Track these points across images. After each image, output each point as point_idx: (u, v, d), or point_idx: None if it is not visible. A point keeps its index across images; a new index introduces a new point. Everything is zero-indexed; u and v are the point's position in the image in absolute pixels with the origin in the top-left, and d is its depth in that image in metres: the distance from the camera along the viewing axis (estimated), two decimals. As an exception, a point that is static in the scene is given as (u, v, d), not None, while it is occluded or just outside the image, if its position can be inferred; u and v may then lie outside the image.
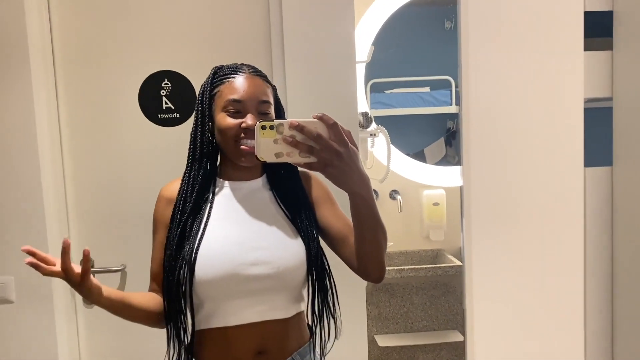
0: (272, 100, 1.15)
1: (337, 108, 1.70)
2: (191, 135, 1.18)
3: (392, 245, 2.62)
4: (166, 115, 1.76)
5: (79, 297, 1.78)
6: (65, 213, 1.75)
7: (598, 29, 0.93)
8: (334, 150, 0.95)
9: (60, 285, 1.71)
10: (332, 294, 1.18)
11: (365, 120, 2.15)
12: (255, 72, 1.15)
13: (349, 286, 1.72)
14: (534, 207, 0.98)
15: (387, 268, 2.38)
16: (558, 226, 1.01)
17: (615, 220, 1.04)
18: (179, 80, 1.75)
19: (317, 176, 1.19)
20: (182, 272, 1.09)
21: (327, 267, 1.17)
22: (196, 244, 1.09)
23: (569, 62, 0.93)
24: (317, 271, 1.14)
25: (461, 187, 0.97)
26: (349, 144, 0.97)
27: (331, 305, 1.18)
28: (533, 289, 1.04)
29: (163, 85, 1.75)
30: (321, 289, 1.16)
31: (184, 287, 1.09)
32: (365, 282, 1.84)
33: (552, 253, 1.02)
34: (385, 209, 2.68)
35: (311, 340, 1.20)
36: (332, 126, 0.95)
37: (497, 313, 1.04)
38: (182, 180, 1.18)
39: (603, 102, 0.97)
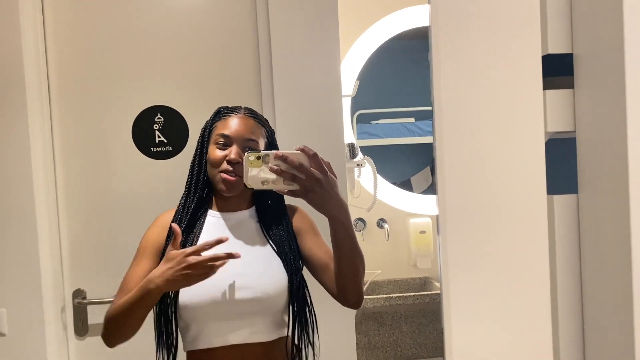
0: (260, 140, 1.26)
1: (325, 140, 1.77)
2: (190, 165, 1.31)
3: (380, 274, 2.66)
4: (159, 149, 1.81)
5: (70, 329, 1.79)
6: (59, 247, 1.78)
7: (560, 69, 1.02)
8: (314, 178, 1.06)
9: (52, 318, 1.72)
10: (311, 323, 1.25)
11: (352, 151, 2.22)
12: (250, 114, 1.28)
13: (338, 316, 1.75)
14: (504, 231, 1.05)
15: (375, 297, 2.41)
16: (525, 250, 1.09)
17: (582, 242, 1.11)
18: (171, 115, 1.81)
19: (302, 207, 1.28)
20: (170, 293, 1.18)
21: (308, 298, 1.25)
22: None
23: (532, 100, 1.02)
24: (298, 302, 1.22)
25: (437, 216, 1.04)
26: (328, 172, 1.08)
27: (310, 334, 1.25)
28: (505, 307, 1.11)
29: (156, 119, 1.81)
30: (301, 318, 1.23)
31: (171, 308, 1.18)
32: (354, 312, 1.88)
33: (520, 273, 1.10)
34: (373, 238, 2.73)
35: None
36: (313, 157, 1.07)
37: (474, 330, 1.10)
38: (178, 206, 1.28)
39: (568, 134, 1.06)
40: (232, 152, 1.21)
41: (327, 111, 1.78)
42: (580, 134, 1.01)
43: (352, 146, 2.21)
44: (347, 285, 1.18)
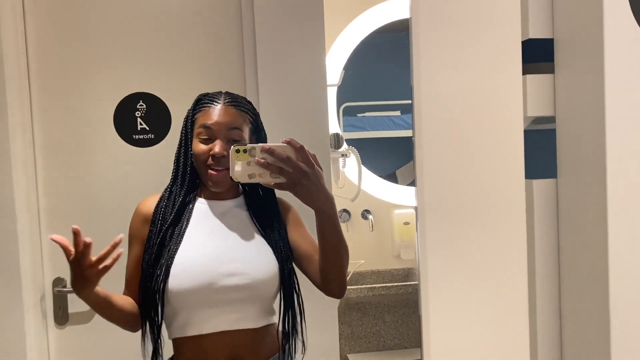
0: (244, 127, 1.23)
1: (309, 129, 1.76)
2: (175, 157, 1.28)
3: (363, 264, 2.67)
4: (141, 136, 1.79)
5: (50, 317, 1.77)
6: (38, 233, 1.76)
7: (541, 55, 1.03)
8: (301, 171, 1.06)
9: (31, 306, 1.70)
10: (299, 311, 1.26)
11: (336, 141, 2.22)
12: (232, 102, 1.24)
13: (321, 305, 1.75)
14: (483, 217, 1.07)
15: (359, 287, 2.42)
16: (504, 234, 1.10)
17: (560, 227, 1.13)
18: (153, 102, 1.79)
19: (285, 198, 1.27)
20: (159, 279, 1.16)
21: (296, 286, 1.25)
22: (173, 254, 1.17)
23: (511, 85, 1.03)
24: (287, 289, 1.22)
25: (416, 207, 1.05)
26: (315, 165, 1.08)
27: (298, 322, 1.26)
28: (483, 295, 1.12)
29: (138, 107, 1.79)
30: (290, 305, 1.23)
31: (159, 295, 1.16)
32: (337, 302, 1.88)
33: (498, 257, 1.11)
34: (358, 229, 2.73)
35: (280, 352, 1.25)
36: (300, 149, 1.07)
37: (452, 318, 1.11)
38: (165, 193, 1.27)
39: (547, 124, 1.06)
40: (216, 146, 1.19)
41: (311, 100, 1.77)
42: (560, 119, 1.03)
43: (336, 136, 2.21)
44: (332, 275, 1.20)
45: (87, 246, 1.03)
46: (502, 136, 1.03)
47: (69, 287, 1.77)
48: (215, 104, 1.22)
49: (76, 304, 1.77)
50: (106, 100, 1.78)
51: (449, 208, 1.02)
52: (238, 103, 1.25)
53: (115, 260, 1.06)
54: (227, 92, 1.27)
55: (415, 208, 1.07)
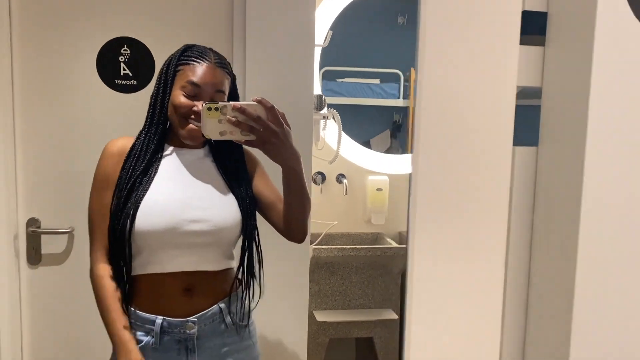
0: (227, 92, 1.27)
1: (294, 89, 1.77)
2: (151, 100, 1.29)
3: (334, 226, 2.73)
4: (124, 82, 1.77)
5: (23, 257, 1.77)
6: (14, 172, 1.73)
7: (534, 27, 1.07)
8: (271, 130, 1.12)
9: (4, 244, 1.69)
10: (258, 259, 1.33)
11: (319, 102, 2.23)
12: (220, 64, 1.26)
13: (293, 262, 1.80)
14: (472, 175, 1.12)
15: (329, 247, 2.47)
16: (488, 194, 1.17)
17: (537, 190, 1.20)
18: (138, 48, 1.77)
19: (251, 152, 1.32)
20: (126, 221, 1.20)
21: (257, 236, 1.32)
22: (141, 197, 1.21)
23: (507, 55, 1.07)
24: (248, 237, 1.29)
25: (410, 174, 1.10)
26: (284, 124, 1.13)
27: (255, 268, 1.34)
28: (466, 266, 1.19)
29: (122, 51, 1.76)
30: (249, 251, 1.31)
31: (126, 235, 1.20)
32: (308, 257, 1.93)
33: (480, 215, 1.18)
34: (332, 192, 2.78)
35: (237, 292, 1.33)
36: (270, 109, 1.12)
37: (435, 290, 1.18)
38: (137, 140, 1.28)
39: (534, 100, 1.12)
40: (202, 104, 1.19)
41: (298, 60, 1.77)
42: (546, 90, 1.08)
43: (319, 98, 2.22)
44: (295, 224, 1.29)
45: None
46: (495, 103, 1.08)
47: (43, 227, 1.76)
48: (205, 61, 1.23)
49: (50, 244, 1.77)
50: (90, 42, 1.74)
51: (442, 163, 1.07)
52: (224, 65, 1.27)
53: None
54: (213, 50, 1.29)
55: (410, 175, 1.12)
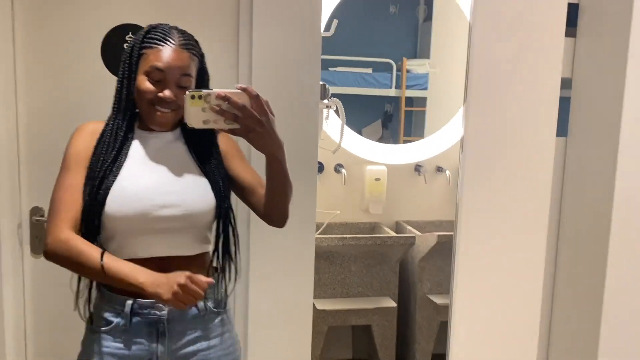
0: (194, 74, 1.23)
1: (300, 77, 1.77)
2: (117, 86, 1.26)
3: (334, 216, 2.74)
4: (129, 69, 1.75)
5: (26, 246, 1.75)
6: (17, 161, 1.71)
7: (568, 19, 1.10)
8: (255, 119, 1.10)
9: (8, 233, 1.68)
10: (234, 241, 1.32)
11: (323, 91, 2.23)
12: (185, 45, 1.21)
13: (297, 251, 1.82)
14: (515, 166, 1.16)
15: (329, 236, 2.47)
16: (531, 184, 1.21)
17: (564, 186, 1.24)
18: (143, 35, 1.75)
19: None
20: (96, 207, 1.18)
21: (232, 217, 1.30)
22: (111, 184, 1.19)
23: (554, 46, 1.09)
24: (223, 219, 1.28)
25: (459, 164, 1.14)
26: (269, 112, 1.12)
27: (232, 250, 1.32)
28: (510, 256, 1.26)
29: (127, 38, 1.74)
30: (225, 234, 1.29)
31: (97, 220, 1.19)
32: (313, 250, 1.93)
33: (524, 209, 1.23)
34: (330, 182, 2.79)
35: (213, 277, 1.29)
36: (255, 97, 1.10)
37: (480, 279, 1.24)
38: (107, 127, 1.25)
39: (563, 91, 1.15)
40: (167, 90, 1.18)
41: (305, 48, 1.77)
42: (577, 81, 1.10)
43: (324, 87, 2.22)
44: (276, 210, 1.27)
45: None
46: (539, 93, 1.10)
47: (46, 216, 1.74)
48: (169, 44, 1.18)
49: (54, 234, 1.76)
50: (94, 29, 1.72)
51: (488, 153, 1.09)
52: (191, 46, 1.22)
53: None
54: (178, 30, 1.23)
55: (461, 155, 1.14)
